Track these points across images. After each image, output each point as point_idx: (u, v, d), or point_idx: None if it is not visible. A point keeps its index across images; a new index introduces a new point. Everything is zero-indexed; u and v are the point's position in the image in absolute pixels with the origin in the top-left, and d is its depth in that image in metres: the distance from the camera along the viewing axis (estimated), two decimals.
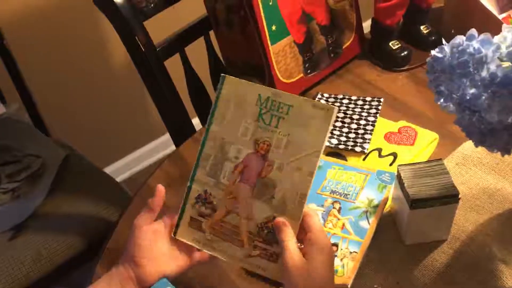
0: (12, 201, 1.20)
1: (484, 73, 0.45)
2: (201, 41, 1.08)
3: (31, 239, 1.13)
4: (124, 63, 1.68)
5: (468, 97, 0.47)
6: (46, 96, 1.54)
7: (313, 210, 0.66)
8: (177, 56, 1.06)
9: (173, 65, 1.07)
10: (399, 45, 1.06)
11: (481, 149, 0.85)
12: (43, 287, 1.14)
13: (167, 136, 1.60)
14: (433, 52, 0.51)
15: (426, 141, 0.86)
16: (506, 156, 0.83)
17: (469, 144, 0.86)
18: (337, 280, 0.68)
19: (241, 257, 0.67)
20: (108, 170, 1.81)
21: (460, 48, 0.47)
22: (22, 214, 1.17)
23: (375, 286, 0.69)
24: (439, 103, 0.52)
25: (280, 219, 0.64)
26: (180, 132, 1.06)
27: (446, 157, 0.84)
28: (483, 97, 0.46)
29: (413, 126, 0.89)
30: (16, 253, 1.09)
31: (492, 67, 0.45)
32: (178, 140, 1.06)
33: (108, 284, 0.67)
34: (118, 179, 1.83)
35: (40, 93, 1.49)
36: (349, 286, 0.68)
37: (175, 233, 0.71)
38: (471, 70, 0.46)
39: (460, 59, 0.46)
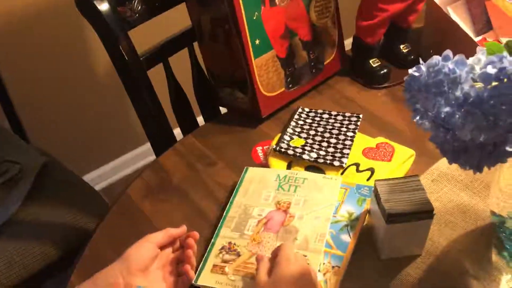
0: None
1: (458, 93, 0.47)
2: (185, 52, 1.09)
3: (5, 246, 1.11)
4: (106, 71, 1.68)
5: (442, 115, 0.48)
6: (26, 102, 1.53)
7: (287, 243, 0.72)
8: (160, 66, 1.06)
9: (156, 75, 1.08)
10: (379, 63, 1.08)
11: (455, 166, 0.87)
12: None
13: (147, 146, 1.60)
14: (410, 71, 0.53)
15: (403, 158, 0.88)
16: (479, 174, 0.85)
17: (444, 162, 0.88)
18: None
19: None
20: (86, 178, 1.80)
21: (436, 68, 0.48)
22: None
23: None
24: (415, 120, 0.53)
25: (259, 254, 0.71)
26: (161, 142, 1.06)
27: (422, 174, 0.86)
28: (457, 116, 0.47)
29: (391, 142, 0.91)
30: None
31: (466, 87, 0.47)
32: (158, 149, 1.06)
33: (93, 286, 0.67)
34: (97, 187, 1.82)
35: (19, 99, 1.48)
36: None
37: (196, 280, 0.73)
38: (446, 89, 0.47)
39: (436, 78, 0.48)
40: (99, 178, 1.87)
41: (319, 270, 0.71)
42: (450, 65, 0.47)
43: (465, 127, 0.47)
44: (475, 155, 0.49)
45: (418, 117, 0.52)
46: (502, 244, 0.74)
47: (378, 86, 1.08)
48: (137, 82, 0.98)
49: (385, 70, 1.07)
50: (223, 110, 1.12)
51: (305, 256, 0.72)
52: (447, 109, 0.48)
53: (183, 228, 0.77)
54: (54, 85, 1.61)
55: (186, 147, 1.00)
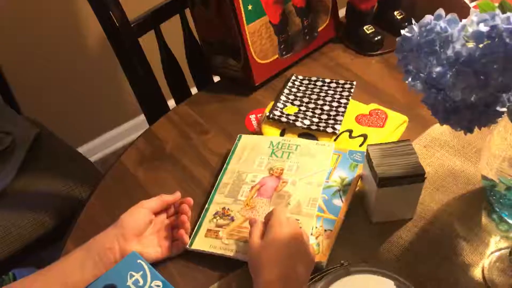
0: None
1: (449, 52, 0.47)
2: (176, 19, 1.08)
3: (1, 217, 1.11)
4: (100, 41, 1.66)
5: (434, 75, 0.48)
6: (19, 73, 1.51)
7: (280, 207, 0.73)
8: (152, 36, 1.05)
9: (148, 44, 1.06)
10: (373, 29, 1.07)
11: (448, 132, 0.88)
12: (11, 264, 1.13)
13: (141, 118, 1.59)
14: (402, 32, 0.52)
15: (396, 124, 0.88)
16: (470, 139, 0.86)
17: (437, 128, 0.89)
18: None
19: None
20: (80, 150, 1.79)
21: (428, 27, 0.48)
22: None
23: (341, 261, 0.70)
24: (407, 82, 0.53)
25: (252, 218, 0.72)
26: (154, 111, 1.06)
27: (414, 140, 0.87)
28: (448, 75, 0.47)
29: (384, 109, 0.91)
30: None
31: (458, 46, 0.47)
32: (152, 119, 1.06)
33: (87, 252, 0.68)
34: (91, 159, 1.81)
35: (11, 70, 1.46)
36: (324, 263, 0.70)
37: (190, 245, 0.74)
38: (438, 48, 0.47)
39: (427, 37, 0.48)
40: (93, 150, 1.87)
41: (311, 234, 0.72)
42: (442, 23, 0.47)
43: (456, 86, 0.47)
44: (466, 116, 0.50)
45: (410, 79, 0.52)
46: (492, 207, 0.75)
47: (372, 53, 1.07)
48: (128, 50, 0.97)
49: (379, 37, 1.06)
50: (216, 78, 1.11)
51: (298, 220, 0.72)
52: (438, 68, 0.48)
53: (177, 195, 0.78)
54: (46, 56, 1.59)
55: (179, 115, 1.00)
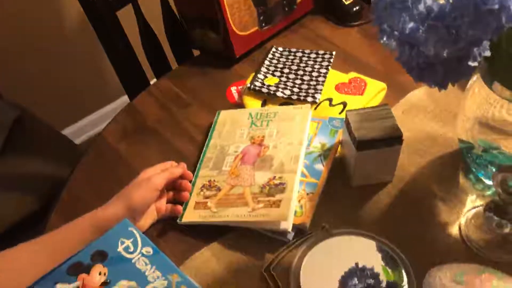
0: None
1: (421, 7, 0.48)
2: None
3: None
4: (81, 20, 1.64)
5: (407, 31, 0.49)
6: (2, 56, 1.49)
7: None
8: (130, 10, 1.04)
9: (126, 19, 1.06)
10: (351, 0, 1.08)
11: (426, 97, 0.90)
12: None
13: (125, 98, 1.58)
14: None
15: (375, 91, 0.89)
16: (449, 104, 0.87)
17: (415, 94, 0.90)
18: (297, 220, 0.71)
19: (247, 213, 0.71)
20: (65, 133, 1.78)
21: None
22: None
23: (323, 224, 0.72)
24: (382, 41, 0.54)
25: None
26: (135, 86, 1.06)
27: (393, 106, 0.88)
28: (420, 31, 0.48)
29: (363, 77, 0.92)
30: None
31: (428, 1, 0.48)
32: (133, 95, 1.05)
33: (95, 228, 0.68)
34: (76, 142, 1.80)
35: None
36: (307, 224, 0.71)
37: (180, 219, 0.75)
38: (410, 5, 0.48)
39: None
40: (77, 132, 1.86)
41: (298, 191, 0.74)
42: None
43: (428, 41, 0.48)
44: (439, 71, 0.51)
45: (385, 37, 0.53)
46: (469, 167, 0.77)
47: (350, 24, 1.08)
48: (106, 24, 0.96)
49: (357, 7, 1.07)
50: (196, 53, 1.11)
51: (281, 177, 0.73)
52: (411, 24, 0.49)
53: (183, 166, 0.79)
54: (27, 38, 1.57)
55: (160, 89, 1.00)
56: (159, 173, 0.74)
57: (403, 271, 0.66)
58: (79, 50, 1.68)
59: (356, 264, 0.68)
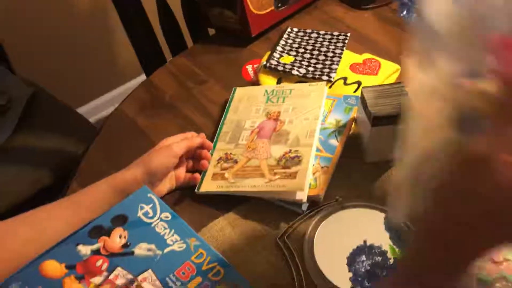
0: None
1: None
2: None
3: None
4: (97, 2, 1.65)
5: None
6: (12, 32, 1.51)
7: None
8: None
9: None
10: None
11: None
12: None
13: (142, 78, 1.59)
14: None
15: (389, 71, 0.91)
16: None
17: None
18: (311, 192, 0.73)
19: (263, 184, 0.72)
20: (80, 111, 1.80)
21: None
22: None
23: (337, 197, 0.74)
24: (401, 15, 0.55)
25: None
26: (152, 63, 1.07)
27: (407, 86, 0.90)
28: None
29: (377, 58, 0.94)
30: None
31: None
32: (149, 72, 1.07)
33: (114, 190, 0.71)
34: (91, 120, 1.82)
35: (4, 28, 1.45)
36: (321, 196, 0.73)
37: (198, 188, 0.76)
38: None
39: None
40: (92, 111, 1.87)
41: (313, 164, 0.76)
42: None
43: None
44: None
45: (405, 12, 0.55)
46: None
47: (365, 7, 1.09)
48: (127, 2, 0.98)
49: None
50: (211, 32, 1.13)
51: (297, 150, 0.75)
52: None
53: (202, 136, 0.81)
54: (45, 15, 1.58)
55: (177, 66, 1.02)
56: (179, 141, 0.76)
57: None
58: (96, 28, 1.70)
59: (365, 241, 0.69)
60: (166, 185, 0.76)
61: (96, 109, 1.89)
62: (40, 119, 1.25)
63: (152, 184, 0.73)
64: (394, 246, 0.64)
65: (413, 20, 0.55)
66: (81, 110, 1.83)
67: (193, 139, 0.78)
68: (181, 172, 0.77)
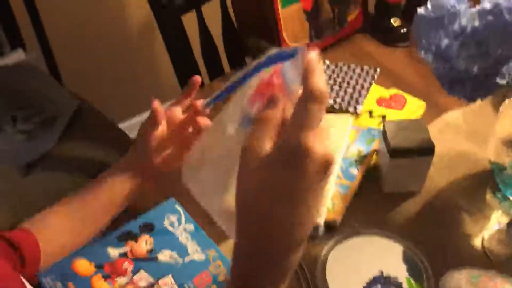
0: (27, 142, 1.27)
1: (456, 26, 0.54)
2: (216, 1, 1.16)
3: (41, 178, 1.19)
4: (144, 22, 1.75)
5: (442, 47, 0.55)
6: (65, 48, 1.61)
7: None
8: (194, 16, 1.14)
9: (190, 24, 1.15)
10: (400, 22, 1.14)
11: (461, 118, 0.94)
12: None
13: None
14: (418, 10, 0.59)
15: (414, 107, 0.95)
16: (483, 125, 0.91)
17: (451, 114, 0.95)
18: (328, 217, 0.77)
19: None
20: (121, 126, 1.89)
21: (440, 4, 0.55)
22: (35, 154, 1.24)
23: (356, 225, 0.77)
24: (419, 54, 0.60)
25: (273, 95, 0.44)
26: None
27: (430, 123, 0.93)
28: (454, 47, 0.54)
29: (404, 93, 0.97)
30: (26, 189, 1.17)
31: (464, 21, 0.53)
32: None
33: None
34: (132, 136, 1.90)
35: (59, 44, 1.56)
36: (338, 221, 0.77)
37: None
38: (446, 23, 0.54)
39: (438, 13, 0.54)
40: (134, 126, 1.95)
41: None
42: (452, 1, 0.54)
43: (460, 56, 0.53)
44: (468, 85, 0.56)
45: (422, 51, 0.59)
46: (497, 186, 0.81)
47: (397, 44, 1.14)
48: (171, 26, 1.06)
49: (405, 29, 1.13)
50: (248, 60, 1.19)
51: None
52: (446, 41, 0.55)
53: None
54: (92, 33, 1.69)
55: (214, 90, 1.08)
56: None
57: (425, 285, 0.69)
58: (140, 49, 1.79)
59: (381, 272, 0.72)
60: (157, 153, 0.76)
61: (136, 125, 1.96)
62: (83, 132, 1.33)
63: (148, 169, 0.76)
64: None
65: (429, 60, 0.60)
66: (123, 125, 1.92)
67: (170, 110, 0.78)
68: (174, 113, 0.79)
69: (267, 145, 0.40)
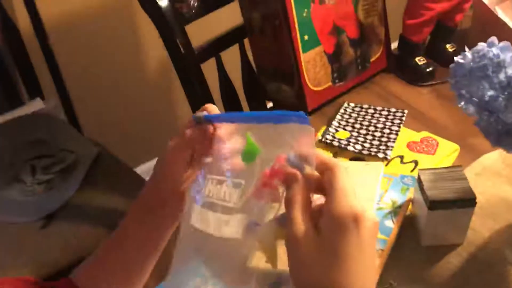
0: (46, 192, 1.26)
1: (502, 76, 0.50)
2: (235, 47, 1.14)
3: (62, 229, 1.17)
4: (160, 67, 1.76)
5: (486, 99, 0.51)
6: (83, 96, 1.62)
7: (338, 161, 0.45)
8: (212, 61, 1.12)
9: (209, 70, 1.13)
10: (425, 61, 1.10)
11: (500, 161, 0.89)
12: (68, 275, 1.19)
13: None
14: (456, 58, 0.56)
15: (447, 151, 0.90)
16: None
17: (488, 157, 0.90)
18: None
19: None
20: (138, 170, 1.87)
21: (481, 53, 0.51)
22: (54, 204, 1.22)
23: (390, 281, 0.72)
24: (460, 105, 0.56)
25: (290, 172, 0.43)
26: None
27: (466, 168, 0.88)
28: (500, 99, 0.50)
29: (435, 136, 0.93)
30: (46, 241, 1.15)
31: (510, 71, 0.49)
32: None
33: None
34: (148, 179, 1.88)
35: (77, 93, 1.56)
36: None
37: None
38: (490, 73, 0.50)
39: (480, 63, 0.51)
40: (148, 172, 1.93)
41: None
42: (495, 50, 0.50)
43: (508, 109, 0.49)
44: None
45: (462, 103, 0.55)
46: None
47: (423, 84, 1.10)
48: (191, 74, 1.04)
49: (430, 68, 1.09)
50: (269, 105, 1.16)
51: None
52: (490, 92, 0.51)
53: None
54: (109, 80, 1.69)
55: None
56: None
57: None
58: (156, 93, 1.79)
59: None
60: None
61: (150, 170, 1.94)
62: (103, 180, 1.31)
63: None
64: None
65: (470, 111, 0.55)
66: (140, 169, 1.90)
67: (191, 136, 0.51)
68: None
69: (309, 224, 0.41)
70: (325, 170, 0.42)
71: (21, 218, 1.21)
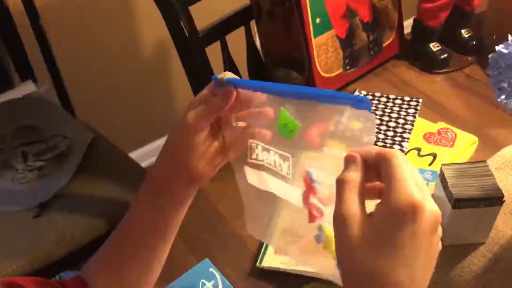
0: (38, 180, 1.21)
1: None
2: (241, 30, 1.09)
3: (55, 218, 1.13)
4: (157, 49, 1.69)
5: None
6: (76, 79, 1.55)
7: (396, 151, 0.40)
8: (217, 44, 1.06)
9: (213, 53, 1.08)
10: (439, 47, 1.05)
11: None
12: (62, 267, 1.15)
13: None
14: (498, 48, 0.51)
15: (466, 144, 0.86)
16: None
17: (508, 149, 0.85)
18: None
19: (333, 266, 0.65)
20: (133, 155, 1.82)
21: None
22: (48, 193, 1.17)
23: None
24: (499, 99, 0.51)
25: (351, 154, 0.42)
26: None
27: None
28: None
29: (453, 128, 0.88)
30: (40, 231, 1.10)
31: None
32: None
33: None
34: (143, 164, 1.83)
35: (70, 75, 1.50)
36: None
37: (260, 262, 0.72)
38: None
39: None
40: (146, 155, 1.88)
41: None
42: None
43: None
44: None
45: (503, 97, 0.50)
46: None
47: (437, 71, 1.05)
48: (194, 58, 0.98)
49: (445, 55, 1.04)
50: None
51: None
52: None
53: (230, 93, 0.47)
54: (103, 63, 1.63)
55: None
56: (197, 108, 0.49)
57: None
58: (152, 76, 1.73)
59: None
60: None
61: (148, 154, 1.90)
62: (97, 166, 1.26)
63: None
64: None
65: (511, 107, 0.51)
66: (134, 154, 1.85)
67: (215, 101, 0.47)
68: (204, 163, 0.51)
69: (361, 207, 0.40)
70: (383, 160, 0.39)
71: (12, 206, 1.16)
